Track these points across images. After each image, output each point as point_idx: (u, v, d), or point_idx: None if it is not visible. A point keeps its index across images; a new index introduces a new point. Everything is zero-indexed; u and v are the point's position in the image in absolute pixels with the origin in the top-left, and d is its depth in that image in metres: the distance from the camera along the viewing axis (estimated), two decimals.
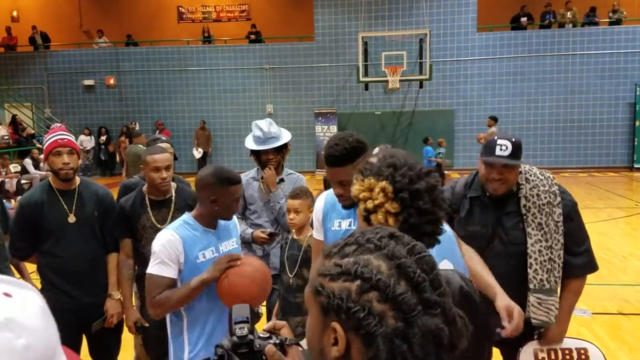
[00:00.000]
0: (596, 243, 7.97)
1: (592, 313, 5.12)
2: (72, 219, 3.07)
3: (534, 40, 17.24)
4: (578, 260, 2.52)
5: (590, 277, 6.50)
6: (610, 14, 17.47)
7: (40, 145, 15.50)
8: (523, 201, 2.53)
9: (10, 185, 13.12)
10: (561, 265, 2.49)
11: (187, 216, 2.55)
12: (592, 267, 2.58)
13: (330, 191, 2.44)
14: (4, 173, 13.46)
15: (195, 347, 2.49)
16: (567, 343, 2.61)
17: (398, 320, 0.82)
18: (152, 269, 2.42)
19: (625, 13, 17.41)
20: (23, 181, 13.43)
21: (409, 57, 16.07)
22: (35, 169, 14.18)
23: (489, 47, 17.42)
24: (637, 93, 16.63)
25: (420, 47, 15.93)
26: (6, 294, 0.58)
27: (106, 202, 3.24)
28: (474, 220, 2.61)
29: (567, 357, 2.60)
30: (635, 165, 16.80)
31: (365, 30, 16.71)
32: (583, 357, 2.57)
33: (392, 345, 0.81)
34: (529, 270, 2.49)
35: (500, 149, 2.44)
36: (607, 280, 6.12)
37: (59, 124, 4.43)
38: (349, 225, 2.35)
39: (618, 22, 17.33)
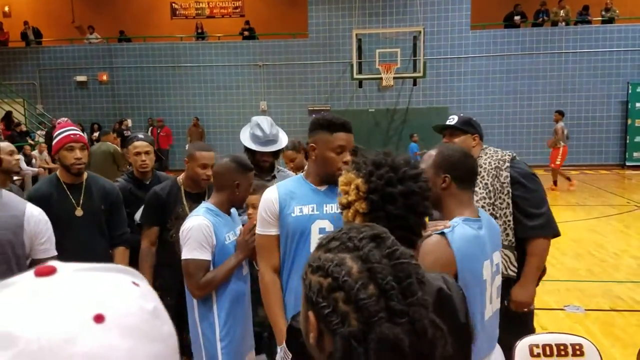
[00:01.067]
0: (588, 241, 8.04)
1: (585, 310, 5.15)
2: (79, 212, 3.11)
3: (527, 39, 17.30)
4: (533, 222, 2.76)
5: (583, 274, 6.53)
6: (603, 13, 17.55)
7: (32, 142, 15.40)
8: (478, 169, 2.82)
9: None
10: (508, 224, 2.78)
11: (207, 204, 2.74)
12: (549, 229, 2.80)
13: (283, 182, 2.52)
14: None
15: (225, 327, 2.64)
16: (561, 339, 2.63)
17: (360, 323, 0.83)
18: (192, 253, 2.59)
19: (617, 11, 17.49)
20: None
21: (402, 55, 16.07)
22: (28, 165, 14.10)
23: (483, 45, 17.46)
24: (629, 91, 16.73)
25: (414, 44, 15.94)
26: (135, 283, 0.57)
27: (113, 197, 3.28)
28: None
29: (562, 352, 2.62)
30: (627, 163, 16.91)
31: (359, 27, 16.69)
32: (578, 352, 2.58)
33: (349, 345, 0.83)
34: None
35: (449, 120, 2.99)
36: (600, 277, 6.15)
37: (65, 119, 4.48)
38: (312, 210, 2.37)
39: (611, 20, 17.41)
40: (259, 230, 2.43)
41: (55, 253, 2.45)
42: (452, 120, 2.98)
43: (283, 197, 2.38)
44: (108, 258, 3.23)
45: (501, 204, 2.78)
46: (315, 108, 17.71)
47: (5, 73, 18.97)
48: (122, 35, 19.83)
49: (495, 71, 17.47)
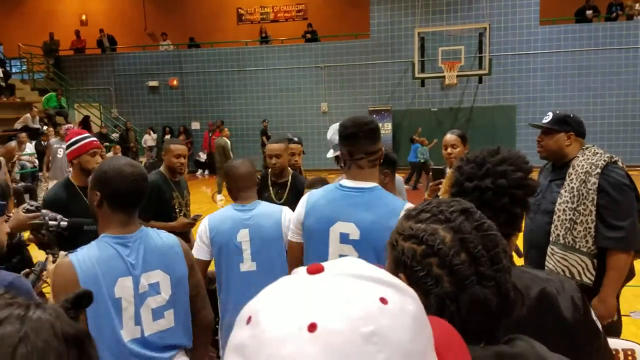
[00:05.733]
0: None
1: None
2: None
3: (600, 34, 16.53)
4: (611, 233, 2.70)
5: None
6: None
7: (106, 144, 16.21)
8: (570, 169, 2.87)
9: None
10: (589, 231, 2.75)
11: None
12: (627, 243, 2.71)
13: (312, 192, 2.42)
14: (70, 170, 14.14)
15: None
16: (614, 344, 2.54)
17: (452, 284, 0.95)
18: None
19: None
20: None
21: (467, 52, 15.76)
22: None
23: (552, 41, 16.84)
24: None
25: (480, 41, 15.59)
26: (382, 300, 0.57)
27: None
28: None
29: (614, 358, 2.53)
30: None
31: (422, 26, 16.49)
32: (630, 358, 2.48)
33: (443, 304, 0.94)
34: (552, 225, 2.85)
35: (545, 118, 2.99)
36: None
37: (72, 125, 4.87)
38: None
39: None
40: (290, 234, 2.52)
41: None
42: (547, 118, 2.99)
43: (308, 209, 2.48)
44: None
45: (584, 210, 2.75)
46: (376, 108, 17.66)
47: (83, 79, 20.08)
48: (192, 41, 20.52)
49: (567, 67, 16.80)
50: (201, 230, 2.88)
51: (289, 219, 2.79)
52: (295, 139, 4.57)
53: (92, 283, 1.83)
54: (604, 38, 16.49)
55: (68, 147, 3.28)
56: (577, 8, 17.24)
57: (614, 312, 2.79)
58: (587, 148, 2.91)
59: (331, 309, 0.55)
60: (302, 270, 0.62)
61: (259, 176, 3.90)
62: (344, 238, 2.22)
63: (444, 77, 15.39)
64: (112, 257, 1.91)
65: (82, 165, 3.20)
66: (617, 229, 2.69)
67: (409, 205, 2.25)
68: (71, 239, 2.69)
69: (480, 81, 16.22)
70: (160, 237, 2.09)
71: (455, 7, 17.32)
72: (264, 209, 2.93)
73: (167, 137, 18.74)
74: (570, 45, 16.73)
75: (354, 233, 2.20)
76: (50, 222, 2.44)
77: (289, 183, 3.95)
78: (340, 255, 2.16)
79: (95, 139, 3.31)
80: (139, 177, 1.96)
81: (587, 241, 2.75)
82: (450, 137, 3.91)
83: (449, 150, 3.86)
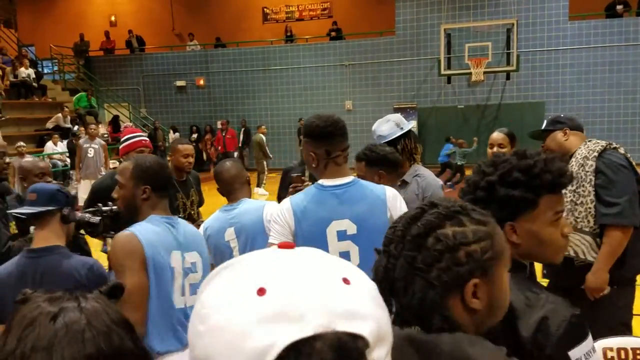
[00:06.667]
0: None
1: None
2: None
3: (631, 29, 16.16)
4: (607, 209, 2.82)
5: None
6: None
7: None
8: (572, 159, 3.00)
9: None
10: (589, 211, 2.89)
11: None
12: (623, 218, 2.79)
13: (293, 198, 2.38)
14: (103, 169, 14.41)
15: None
16: (625, 342, 2.51)
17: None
18: None
19: None
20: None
21: (494, 48, 15.57)
22: None
23: (582, 36, 16.52)
24: None
25: (508, 37, 15.39)
26: (345, 280, 0.62)
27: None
28: None
29: (623, 357, 2.50)
30: None
31: (448, 22, 16.35)
32: (639, 357, 2.45)
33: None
34: None
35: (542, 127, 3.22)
36: None
37: (130, 124, 5.10)
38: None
39: None
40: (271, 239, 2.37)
41: None
42: (543, 125, 3.21)
43: (298, 214, 2.46)
44: None
45: (583, 191, 2.90)
46: (401, 106, 17.57)
47: (112, 79, 20.43)
48: (218, 41, 20.72)
49: (597, 63, 16.47)
50: None
51: (270, 214, 2.87)
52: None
53: (154, 251, 2.11)
54: (635, 33, 16.11)
55: (121, 143, 3.65)
56: (607, 3, 16.91)
57: (605, 285, 2.88)
58: (590, 140, 3.04)
59: (348, 268, 0.64)
60: (272, 248, 0.66)
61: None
62: (342, 235, 2.26)
63: (470, 73, 15.24)
64: (165, 232, 2.21)
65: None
66: (612, 205, 2.81)
67: (390, 189, 2.38)
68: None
69: (508, 78, 16.01)
70: (188, 225, 2.40)
71: (482, 2, 17.11)
72: (247, 206, 3.02)
73: (194, 136, 18.94)
74: (600, 40, 16.40)
75: (351, 228, 2.25)
76: (104, 208, 2.73)
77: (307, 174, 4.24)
78: (341, 253, 2.22)
79: (144, 138, 3.61)
80: (168, 165, 2.39)
81: (588, 221, 2.89)
82: (497, 135, 3.77)
83: (495, 149, 3.64)
